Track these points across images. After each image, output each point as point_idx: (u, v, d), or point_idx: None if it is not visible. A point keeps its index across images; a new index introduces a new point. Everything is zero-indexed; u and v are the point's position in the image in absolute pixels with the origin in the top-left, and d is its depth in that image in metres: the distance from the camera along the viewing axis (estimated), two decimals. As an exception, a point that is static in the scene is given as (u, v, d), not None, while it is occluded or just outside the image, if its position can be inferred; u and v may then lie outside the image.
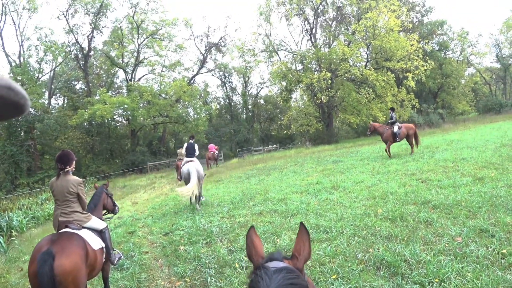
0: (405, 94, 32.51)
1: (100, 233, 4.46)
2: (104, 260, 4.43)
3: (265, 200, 9.13)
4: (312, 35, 37.03)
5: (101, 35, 37.59)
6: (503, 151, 10.56)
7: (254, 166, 20.45)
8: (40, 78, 35.48)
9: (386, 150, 14.23)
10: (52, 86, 37.84)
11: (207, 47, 42.22)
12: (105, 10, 34.91)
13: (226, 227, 7.17)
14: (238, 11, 75.79)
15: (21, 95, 0.64)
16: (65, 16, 33.88)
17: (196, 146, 10.80)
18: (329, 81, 30.56)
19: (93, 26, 34.79)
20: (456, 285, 3.47)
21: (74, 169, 4.50)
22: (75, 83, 40.57)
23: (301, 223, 1.49)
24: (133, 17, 35.83)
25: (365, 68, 31.60)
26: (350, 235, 5.41)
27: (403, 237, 4.99)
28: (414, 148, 14.05)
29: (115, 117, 36.70)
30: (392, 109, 15.36)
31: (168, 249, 6.57)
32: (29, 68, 32.01)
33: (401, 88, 33.15)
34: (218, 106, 50.54)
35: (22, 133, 31.30)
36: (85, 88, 37.87)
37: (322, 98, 31.19)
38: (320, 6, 35.45)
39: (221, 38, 42.12)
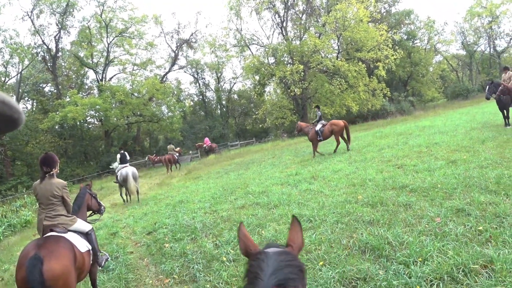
0: (376, 83, 33.01)
1: (86, 235, 4.42)
2: (91, 262, 4.39)
3: (246, 193, 9.19)
4: (283, 28, 37.12)
5: (69, 36, 36.71)
6: (473, 134, 10.91)
7: (232, 161, 20.50)
8: (7, 82, 34.49)
9: (314, 152, 14.11)
10: (20, 90, 36.73)
11: (178, 44, 41.86)
12: (71, 10, 34.10)
13: (209, 222, 7.20)
14: (208, 6, 75.09)
15: (15, 109, 0.65)
16: (30, 17, 32.93)
17: (126, 154, 13.73)
18: (302, 73, 30.74)
19: (60, 27, 33.94)
20: (439, 263, 3.62)
21: (58, 172, 4.48)
22: (44, 85, 39.49)
23: (294, 216, 1.55)
24: (101, 15, 35.20)
25: (337, 59, 31.96)
26: (333, 222, 5.53)
27: (385, 221, 5.14)
28: (348, 146, 13.55)
29: (88, 118, 36.08)
30: (318, 107, 15.27)
31: (153, 247, 6.57)
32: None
33: (372, 78, 33.66)
34: (191, 103, 50.16)
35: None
36: (55, 91, 36.91)
37: (295, 90, 31.32)
38: (290, -2, 35.60)
39: (192, 34, 41.88)
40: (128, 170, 12.74)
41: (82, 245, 4.11)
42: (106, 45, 36.93)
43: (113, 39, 37.34)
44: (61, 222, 4.17)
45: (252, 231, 6.02)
